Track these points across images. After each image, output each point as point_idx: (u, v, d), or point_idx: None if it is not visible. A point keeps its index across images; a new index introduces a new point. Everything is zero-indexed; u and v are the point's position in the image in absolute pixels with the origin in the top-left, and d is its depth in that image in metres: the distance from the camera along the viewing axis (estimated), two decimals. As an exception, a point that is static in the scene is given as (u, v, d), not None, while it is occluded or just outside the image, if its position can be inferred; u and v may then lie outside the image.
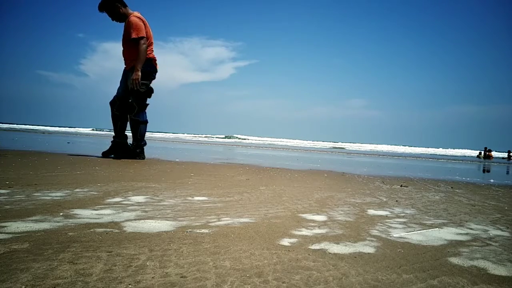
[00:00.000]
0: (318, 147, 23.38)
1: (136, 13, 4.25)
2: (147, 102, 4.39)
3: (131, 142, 4.42)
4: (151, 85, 4.37)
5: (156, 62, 4.38)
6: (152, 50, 4.31)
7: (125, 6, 4.27)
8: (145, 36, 4.13)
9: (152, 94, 4.39)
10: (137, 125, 4.34)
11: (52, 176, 2.50)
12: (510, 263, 1.17)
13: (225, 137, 38.80)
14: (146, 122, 4.41)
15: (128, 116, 4.35)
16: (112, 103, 4.37)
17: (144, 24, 4.18)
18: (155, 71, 4.36)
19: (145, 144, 4.47)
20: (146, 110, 4.41)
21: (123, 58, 4.38)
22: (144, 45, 4.11)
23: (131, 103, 4.26)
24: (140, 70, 4.10)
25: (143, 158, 4.43)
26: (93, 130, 38.94)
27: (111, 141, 4.47)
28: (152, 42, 4.31)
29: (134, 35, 4.08)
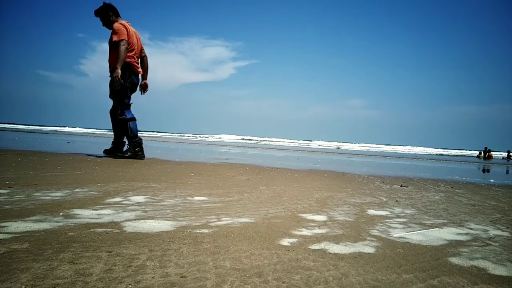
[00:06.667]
0: (318, 147, 23.38)
1: (123, 21, 4.37)
2: (131, 102, 4.47)
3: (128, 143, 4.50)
4: (145, 91, 4.65)
5: (137, 67, 4.46)
6: (133, 57, 4.39)
7: (117, 15, 4.43)
8: (125, 39, 4.23)
9: (133, 93, 4.50)
10: (125, 123, 4.42)
11: (52, 176, 2.50)
12: (510, 263, 1.17)
13: (227, 137, 38.77)
14: (134, 118, 4.48)
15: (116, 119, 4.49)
16: (111, 112, 4.50)
17: (127, 30, 4.30)
18: (133, 74, 4.43)
19: (141, 140, 4.50)
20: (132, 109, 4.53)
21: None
22: (123, 46, 4.21)
23: (114, 104, 4.41)
24: (119, 68, 4.18)
25: (143, 158, 4.44)
26: (85, 129, 38.89)
27: (112, 142, 4.64)
28: (134, 49, 4.39)
29: (115, 38, 4.22)
